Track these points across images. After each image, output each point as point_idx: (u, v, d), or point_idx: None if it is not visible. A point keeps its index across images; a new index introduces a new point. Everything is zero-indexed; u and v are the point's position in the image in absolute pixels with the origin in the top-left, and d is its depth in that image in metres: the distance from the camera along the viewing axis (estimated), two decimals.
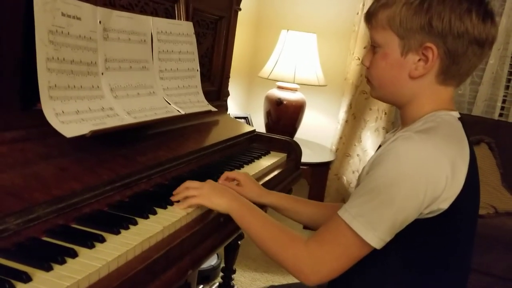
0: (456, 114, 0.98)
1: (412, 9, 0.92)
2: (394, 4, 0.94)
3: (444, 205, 0.88)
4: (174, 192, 1.11)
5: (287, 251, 0.95)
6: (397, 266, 0.95)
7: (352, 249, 0.90)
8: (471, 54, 0.92)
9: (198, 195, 1.08)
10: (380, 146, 1.06)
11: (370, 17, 1.00)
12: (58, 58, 0.95)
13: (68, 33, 0.98)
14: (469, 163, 0.91)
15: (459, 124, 0.97)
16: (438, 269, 0.94)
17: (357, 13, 3.08)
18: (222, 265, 2.15)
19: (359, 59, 3.08)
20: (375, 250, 0.89)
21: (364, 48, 3.04)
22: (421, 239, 0.93)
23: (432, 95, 0.97)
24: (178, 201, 1.09)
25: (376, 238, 0.87)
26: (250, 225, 1.03)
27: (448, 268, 0.96)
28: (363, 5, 3.03)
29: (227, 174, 1.28)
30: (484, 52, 0.94)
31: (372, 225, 0.87)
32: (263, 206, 1.23)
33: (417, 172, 0.86)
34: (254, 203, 1.17)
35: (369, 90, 1.07)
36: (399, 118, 1.06)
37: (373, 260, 0.91)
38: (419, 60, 0.94)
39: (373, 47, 1.01)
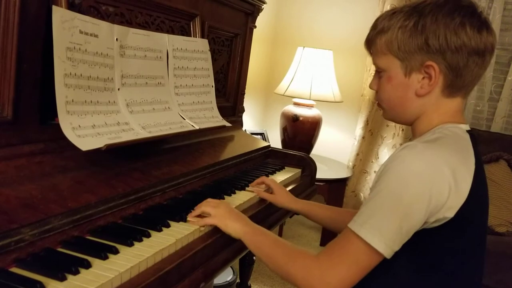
0: (464, 127, 0.99)
1: (408, 32, 0.95)
2: (389, 29, 0.97)
3: (450, 213, 0.88)
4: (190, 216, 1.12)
5: (296, 264, 0.95)
6: (407, 276, 0.95)
7: (361, 258, 0.89)
8: (472, 65, 0.94)
9: (213, 215, 1.09)
10: None
11: (369, 44, 1.04)
12: (75, 74, 0.98)
13: (86, 50, 1.01)
14: (475, 174, 0.92)
15: (467, 136, 0.98)
16: (448, 278, 0.94)
17: None
18: (238, 281, 2.15)
19: None
20: (384, 260, 0.89)
21: None
22: (430, 248, 0.93)
23: (440, 109, 0.99)
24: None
25: (383, 244, 0.87)
26: (263, 247, 1.04)
27: (457, 277, 0.95)
28: None
29: (263, 179, 1.45)
30: (485, 60, 0.96)
31: (378, 231, 0.87)
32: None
33: (420, 179, 0.87)
34: (285, 208, 1.42)
35: (382, 112, 1.09)
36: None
37: (382, 270, 0.91)
38: (423, 78, 0.96)
39: (378, 72, 1.04)
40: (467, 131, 0.99)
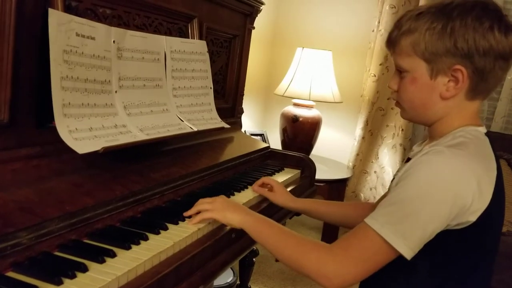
0: (483, 130, 0.99)
1: (436, 34, 0.94)
2: (416, 30, 0.96)
3: (472, 217, 0.90)
4: (185, 214, 1.12)
5: (310, 256, 0.95)
6: (425, 274, 0.96)
7: (378, 255, 0.91)
8: (498, 69, 0.94)
9: (211, 209, 1.08)
10: (409, 158, 1.08)
11: (392, 44, 1.02)
12: (72, 76, 0.97)
13: (82, 52, 1.01)
14: (497, 179, 0.93)
15: (486, 139, 0.99)
16: (463, 278, 0.96)
17: (373, 30, 3.08)
18: (238, 282, 2.15)
19: (375, 75, 3.08)
20: (403, 259, 0.90)
21: (380, 65, 3.05)
22: (450, 249, 0.94)
23: (461, 111, 0.99)
24: (190, 217, 1.10)
25: (406, 246, 0.88)
26: (268, 237, 1.03)
27: (471, 278, 0.97)
28: (378, 22, 3.04)
29: (263, 179, 1.44)
30: (509, 65, 0.96)
31: (401, 234, 0.88)
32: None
33: (445, 187, 0.88)
34: (285, 207, 1.41)
35: (400, 111, 1.09)
36: (426, 131, 1.09)
37: (401, 269, 0.93)
38: (449, 81, 0.96)
39: (399, 71, 1.03)
40: (485, 134, 0.99)
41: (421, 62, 0.96)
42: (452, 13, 0.93)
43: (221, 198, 1.13)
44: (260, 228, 1.06)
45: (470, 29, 0.92)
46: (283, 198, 1.40)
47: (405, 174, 0.93)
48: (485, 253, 0.98)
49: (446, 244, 0.93)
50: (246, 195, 1.38)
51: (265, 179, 1.45)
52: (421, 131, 3.14)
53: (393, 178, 1.04)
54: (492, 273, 1.02)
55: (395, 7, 2.93)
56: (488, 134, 1.00)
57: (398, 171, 1.02)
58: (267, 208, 1.38)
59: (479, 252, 0.96)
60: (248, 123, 3.31)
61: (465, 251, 0.95)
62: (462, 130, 0.97)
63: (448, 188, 0.88)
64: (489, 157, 0.96)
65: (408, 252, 0.88)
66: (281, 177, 1.66)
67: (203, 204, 1.11)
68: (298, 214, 1.74)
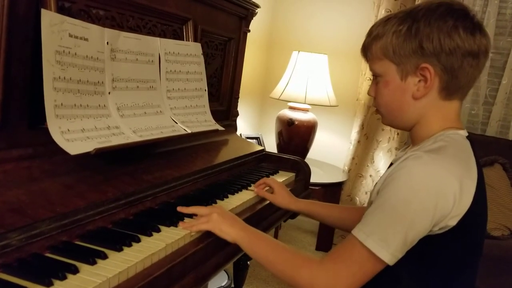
0: (464, 133, 1.00)
1: (402, 36, 0.96)
2: (384, 35, 0.99)
3: (452, 222, 0.90)
4: (179, 209, 1.12)
5: (302, 271, 0.95)
6: (406, 280, 0.96)
7: (367, 266, 0.91)
8: (467, 66, 0.95)
9: (207, 220, 1.08)
10: (391, 164, 1.08)
11: (365, 50, 1.06)
12: (64, 77, 0.97)
13: (75, 53, 1.01)
14: (478, 182, 0.93)
15: (467, 143, 0.99)
16: (445, 283, 0.95)
17: None
18: (232, 285, 2.14)
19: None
20: (386, 266, 0.90)
21: None
22: (430, 254, 0.94)
23: (438, 112, 1.00)
24: (183, 217, 1.10)
25: (390, 255, 0.88)
26: (261, 252, 1.04)
27: (454, 282, 0.96)
28: None
29: (264, 180, 1.46)
30: (480, 62, 0.96)
31: (385, 242, 0.88)
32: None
33: (427, 191, 0.88)
34: (286, 209, 1.43)
35: (381, 118, 1.11)
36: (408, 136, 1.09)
37: (382, 274, 0.92)
38: (419, 81, 0.97)
39: (375, 77, 1.05)
40: (466, 137, 1.00)
41: (391, 65, 0.99)
42: (418, 14, 0.96)
43: (218, 209, 1.12)
44: (253, 243, 1.06)
45: (434, 29, 0.93)
46: (285, 200, 1.41)
47: (386, 181, 0.94)
48: (467, 258, 0.98)
49: (427, 251, 0.93)
50: (240, 198, 1.37)
51: (266, 180, 1.45)
52: None
53: (375, 184, 1.04)
54: (476, 278, 1.02)
55: (391, 11, 2.94)
56: (470, 137, 1.00)
57: (380, 178, 1.02)
58: (261, 212, 1.38)
59: (460, 257, 0.96)
60: (244, 126, 3.31)
61: (445, 256, 0.95)
62: (442, 134, 0.98)
63: (428, 192, 0.88)
64: (470, 160, 0.96)
65: (391, 259, 0.89)
66: None
67: (199, 213, 1.11)
68: (293, 217, 1.75)
